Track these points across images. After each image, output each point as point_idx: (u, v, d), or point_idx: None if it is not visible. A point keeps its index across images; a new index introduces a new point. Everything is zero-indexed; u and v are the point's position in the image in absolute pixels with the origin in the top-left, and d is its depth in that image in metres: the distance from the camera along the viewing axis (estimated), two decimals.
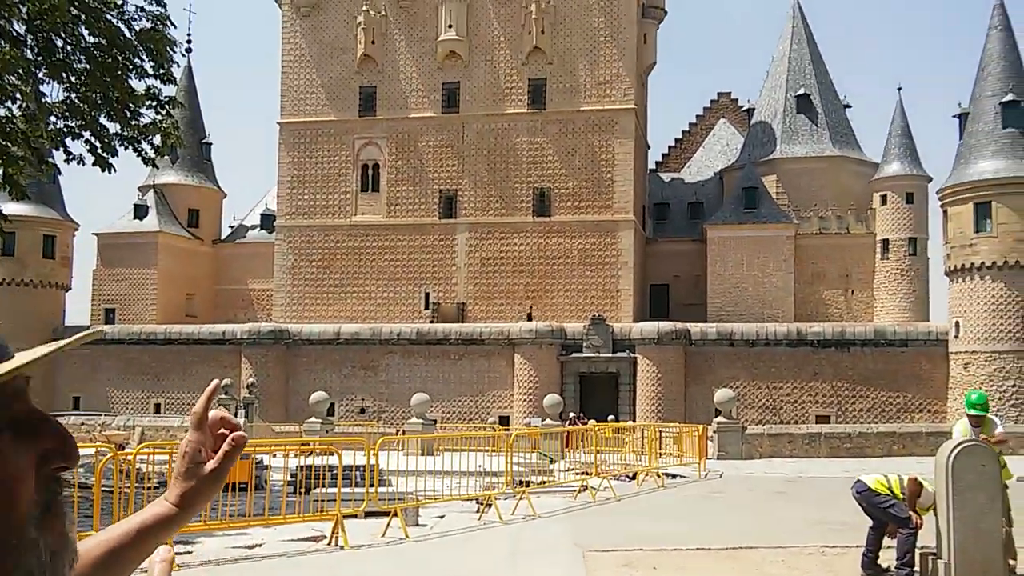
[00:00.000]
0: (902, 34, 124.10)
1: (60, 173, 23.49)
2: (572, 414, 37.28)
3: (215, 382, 1.43)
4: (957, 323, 41.33)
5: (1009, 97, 41.21)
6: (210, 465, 1.31)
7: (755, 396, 42.94)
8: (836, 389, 42.66)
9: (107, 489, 11.01)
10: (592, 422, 32.33)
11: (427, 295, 49.65)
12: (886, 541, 9.15)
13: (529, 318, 46.66)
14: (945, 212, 42.66)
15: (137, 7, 12.88)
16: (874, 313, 48.06)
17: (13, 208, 30.65)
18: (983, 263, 40.29)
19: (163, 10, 13.14)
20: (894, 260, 47.67)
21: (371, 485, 12.66)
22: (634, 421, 41.41)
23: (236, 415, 33.87)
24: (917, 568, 8.85)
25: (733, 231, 48.62)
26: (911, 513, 8.89)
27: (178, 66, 14.02)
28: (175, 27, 13.40)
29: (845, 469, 21.10)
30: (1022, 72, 42.24)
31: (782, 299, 47.87)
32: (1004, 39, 42.70)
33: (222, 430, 1.33)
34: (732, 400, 29.79)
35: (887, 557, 9.12)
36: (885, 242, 48.00)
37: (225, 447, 1.32)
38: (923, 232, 47.81)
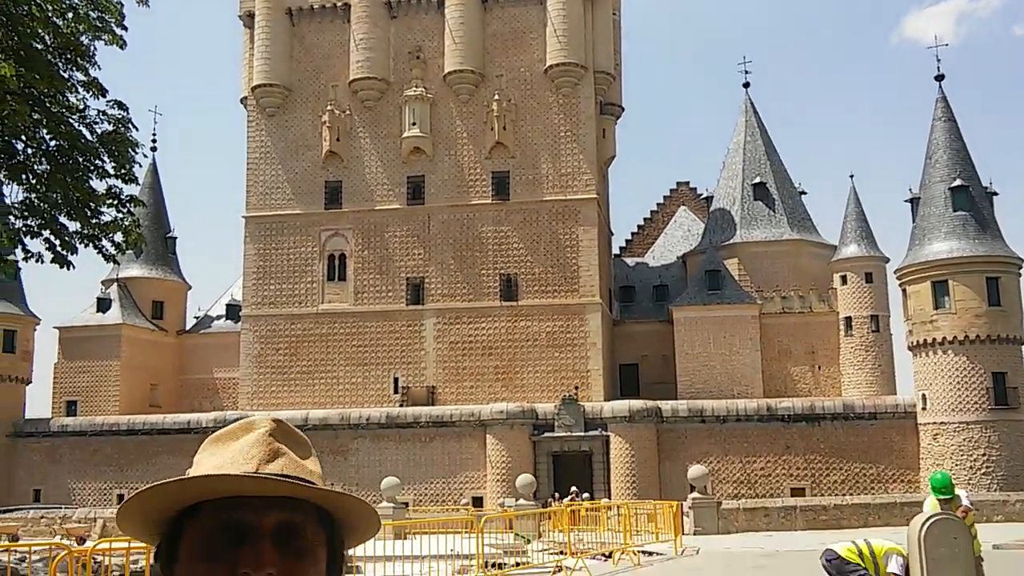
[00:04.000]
0: (851, 124, 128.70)
1: (20, 270, 23.27)
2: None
3: None
4: (924, 396, 41.78)
5: (957, 182, 42.86)
6: None
7: (728, 471, 42.69)
8: (809, 462, 42.58)
9: None
10: (567, 500, 31.70)
11: (396, 379, 49.27)
12: None
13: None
14: (904, 291, 43.58)
15: (99, 111, 13.01)
16: (842, 388, 48.42)
17: None
18: (944, 338, 41.04)
19: (126, 114, 13.25)
20: (858, 337, 48.32)
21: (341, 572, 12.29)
22: (609, 499, 40.96)
23: None
24: None
25: (698, 312, 49.10)
26: None
27: (140, 166, 14.06)
28: (137, 129, 13.53)
29: (822, 541, 20.87)
30: (967, 159, 44.04)
31: (750, 376, 48.12)
32: (948, 128, 44.61)
33: None
34: (706, 476, 29.70)
35: None
36: (848, 320, 48.73)
37: None
38: (884, 310, 48.64)
